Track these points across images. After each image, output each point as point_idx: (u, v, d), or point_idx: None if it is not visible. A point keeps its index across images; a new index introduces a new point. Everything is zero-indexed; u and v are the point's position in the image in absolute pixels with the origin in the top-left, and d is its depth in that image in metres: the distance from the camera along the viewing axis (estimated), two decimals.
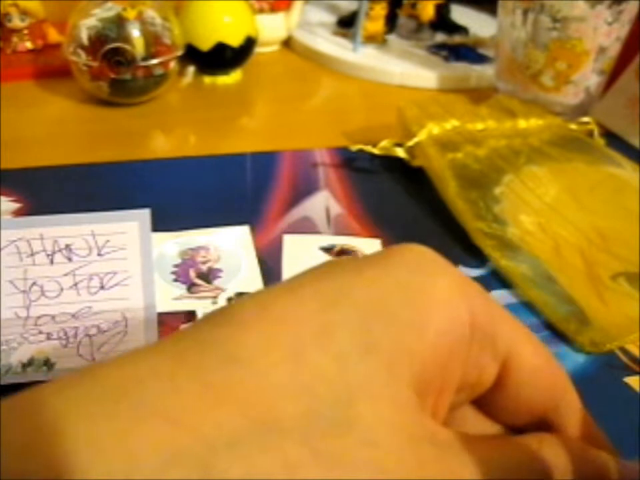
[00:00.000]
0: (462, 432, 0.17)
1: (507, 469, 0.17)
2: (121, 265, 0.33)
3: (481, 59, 0.70)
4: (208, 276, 0.37)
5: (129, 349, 0.31)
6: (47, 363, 0.30)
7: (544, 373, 0.20)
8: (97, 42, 0.54)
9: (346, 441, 0.13)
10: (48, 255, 0.32)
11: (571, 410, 0.21)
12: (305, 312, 0.15)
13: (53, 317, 0.32)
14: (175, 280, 0.37)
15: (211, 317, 0.16)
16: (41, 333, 0.31)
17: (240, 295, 0.36)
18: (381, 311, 0.15)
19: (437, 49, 0.72)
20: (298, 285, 0.16)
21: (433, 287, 0.17)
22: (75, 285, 0.33)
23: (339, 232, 0.42)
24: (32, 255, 0.32)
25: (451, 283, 0.17)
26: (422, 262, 0.17)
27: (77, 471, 0.12)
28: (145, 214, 0.34)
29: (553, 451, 0.19)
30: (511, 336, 0.19)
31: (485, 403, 0.19)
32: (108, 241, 0.33)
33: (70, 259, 0.33)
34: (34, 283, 0.32)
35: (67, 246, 0.33)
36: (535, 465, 0.18)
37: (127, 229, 0.34)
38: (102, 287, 0.33)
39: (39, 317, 0.32)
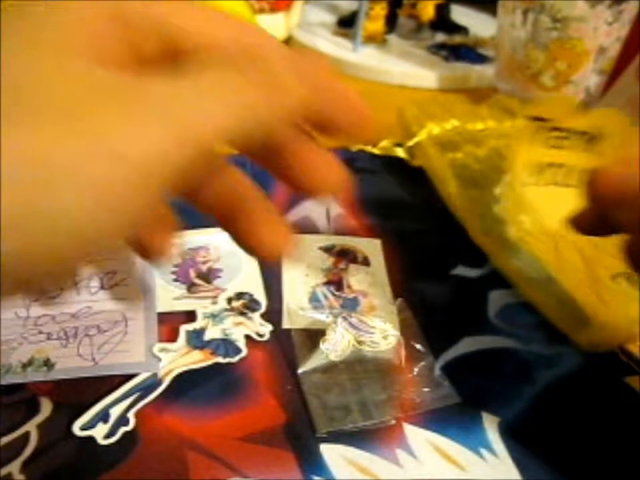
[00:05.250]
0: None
1: None
2: (121, 264, 0.33)
3: (481, 59, 0.70)
4: (208, 276, 0.37)
5: (129, 349, 0.31)
6: (47, 363, 0.30)
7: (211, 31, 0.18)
8: None
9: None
10: None
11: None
12: None
13: (53, 317, 0.32)
14: (175, 280, 0.37)
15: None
16: (41, 332, 0.31)
17: (240, 294, 0.36)
18: None
19: (437, 48, 0.72)
20: None
21: None
22: (75, 284, 0.33)
23: (339, 232, 0.42)
24: None
25: None
26: None
27: None
28: None
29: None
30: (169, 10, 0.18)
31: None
32: None
33: None
34: None
35: None
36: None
37: None
38: (102, 287, 0.33)
39: (38, 317, 0.32)
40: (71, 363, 0.31)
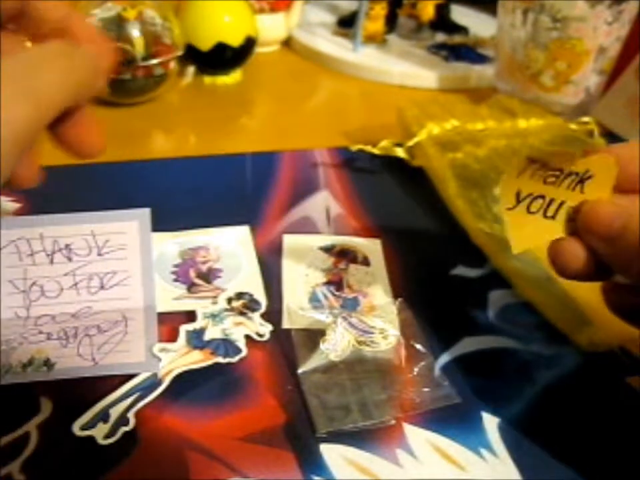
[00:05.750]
0: None
1: None
2: (121, 264, 0.33)
3: (481, 59, 0.70)
4: (208, 276, 0.37)
5: (129, 349, 0.31)
6: (47, 363, 0.30)
7: None
8: None
9: None
10: (48, 255, 0.32)
11: None
12: None
13: (53, 317, 0.32)
14: (175, 280, 0.37)
15: None
16: (41, 332, 0.31)
17: (240, 294, 0.36)
18: None
19: (437, 48, 0.72)
20: None
21: None
22: (75, 284, 0.33)
23: (339, 232, 0.42)
24: (32, 254, 0.32)
25: None
26: None
27: None
28: (145, 213, 0.34)
29: None
30: None
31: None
32: (108, 240, 0.33)
33: (70, 259, 0.33)
34: (34, 283, 0.32)
35: (67, 246, 0.33)
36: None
37: (126, 228, 0.34)
38: (102, 287, 0.33)
39: (38, 317, 0.32)
40: (70, 363, 0.31)
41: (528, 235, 0.28)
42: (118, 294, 0.33)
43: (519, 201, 0.27)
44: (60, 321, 0.32)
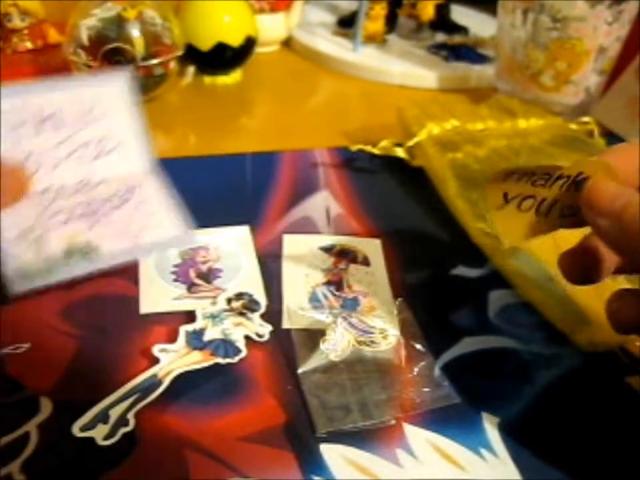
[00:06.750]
0: None
1: None
2: (110, 130, 0.31)
3: (481, 59, 0.70)
4: (208, 276, 0.37)
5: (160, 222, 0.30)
6: (88, 249, 0.29)
7: None
8: (97, 42, 0.54)
9: None
10: (35, 125, 0.30)
11: None
12: None
13: (57, 190, 0.30)
14: (175, 280, 0.37)
15: None
16: (56, 213, 0.29)
17: (240, 295, 0.36)
18: None
19: (437, 48, 0.72)
20: None
21: None
22: (70, 155, 0.30)
23: (339, 232, 0.42)
24: (18, 126, 0.30)
25: None
26: None
27: None
28: (124, 76, 0.31)
29: None
30: None
31: None
32: (92, 107, 0.31)
33: (58, 128, 0.31)
34: (29, 155, 0.30)
35: (53, 114, 0.31)
36: None
37: (109, 94, 0.32)
38: (97, 157, 0.31)
39: (43, 192, 0.30)
40: (110, 245, 0.28)
41: (520, 231, 0.28)
42: (117, 161, 0.31)
43: (507, 201, 0.27)
44: (66, 194, 0.30)
